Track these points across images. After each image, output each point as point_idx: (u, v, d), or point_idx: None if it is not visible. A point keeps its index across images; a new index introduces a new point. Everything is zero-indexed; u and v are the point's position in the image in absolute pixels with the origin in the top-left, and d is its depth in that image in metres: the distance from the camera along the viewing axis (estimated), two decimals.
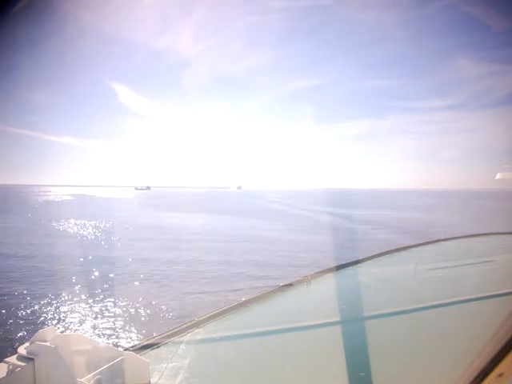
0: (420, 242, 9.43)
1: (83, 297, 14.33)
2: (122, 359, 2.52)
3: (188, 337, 3.71)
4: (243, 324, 4.33)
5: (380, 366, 3.07)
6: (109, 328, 11.47)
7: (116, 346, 2.84)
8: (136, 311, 12.78)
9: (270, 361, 3.35)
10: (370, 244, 26.51)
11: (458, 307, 4.55)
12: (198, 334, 3.81)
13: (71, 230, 35.30)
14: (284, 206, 74.49)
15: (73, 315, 12.56)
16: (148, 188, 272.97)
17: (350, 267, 6.66)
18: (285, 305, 5.04)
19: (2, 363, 2.30)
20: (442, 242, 9.31)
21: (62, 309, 13.14)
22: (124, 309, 13.04)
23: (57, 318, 12.36)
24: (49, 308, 13.17)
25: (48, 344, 2.33)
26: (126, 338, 10.59)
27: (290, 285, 5.51)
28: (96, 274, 18.09)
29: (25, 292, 14.80)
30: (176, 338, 3.65)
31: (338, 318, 4.19)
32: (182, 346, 3.50)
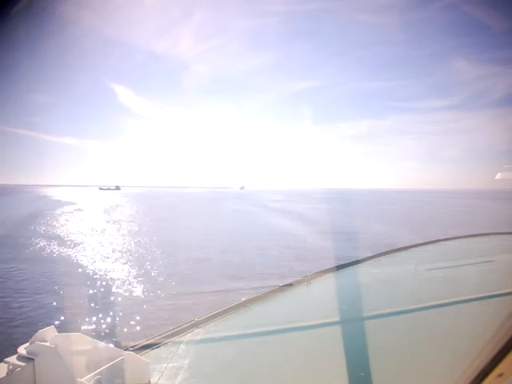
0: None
1: (83, 297, 14.31)
2: (122, 359, 2.52)
3: (188, 337, 3.71)
4: (243, 324, 4.34)
5: (380, 366, 3.07)
6: (109, 328, 11.46)
7: (116, 345, 2.83)
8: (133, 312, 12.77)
9: (270, 361, 3.35)
10: None
11: (458, 307, 4.55)
12: (198, 333, 3.81)
13: None
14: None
15: (73, 315, 12.54)
16: (117, 188, 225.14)
17: (350, 267, 6.67)
18: (285, 305, 5.04)
19: (2, 363, 2.30)
20: (442, 242, 9.33)
21: (62, 309, 13.12)
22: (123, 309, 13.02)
23: (57, 318, 12.35)
24: (49, 308, 13.16)
25: (48, 344, 2.33)
26: (126, 339, 10.58)
27: (290, 285, 5.51)
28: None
29: (25, 292, 14.78)
30: (176, 338, 3.65)
31: (338, 318, 4.19)
32: (182, 346, 3.50)
